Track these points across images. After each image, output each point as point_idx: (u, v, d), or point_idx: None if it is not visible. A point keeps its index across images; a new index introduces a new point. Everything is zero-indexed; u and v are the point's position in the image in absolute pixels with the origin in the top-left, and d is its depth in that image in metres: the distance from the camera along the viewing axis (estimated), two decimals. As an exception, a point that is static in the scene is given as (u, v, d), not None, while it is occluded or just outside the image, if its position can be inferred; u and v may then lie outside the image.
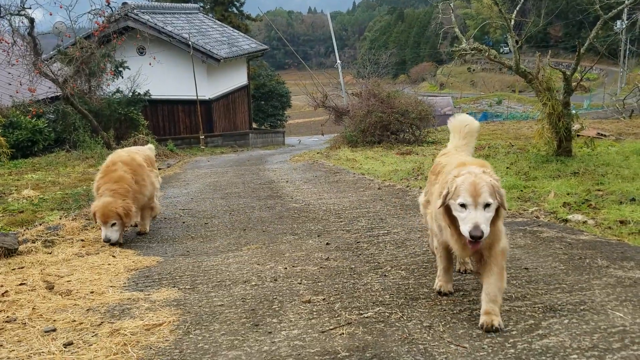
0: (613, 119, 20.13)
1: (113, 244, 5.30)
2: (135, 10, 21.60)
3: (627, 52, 46.23)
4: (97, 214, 5.24)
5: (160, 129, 23.25)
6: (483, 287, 3.06)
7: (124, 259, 4.92)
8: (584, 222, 5.27)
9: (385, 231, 5.42)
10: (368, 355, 2.76)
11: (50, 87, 15.78)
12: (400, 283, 3.84)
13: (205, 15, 31.04)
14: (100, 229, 5.38)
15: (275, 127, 35.23)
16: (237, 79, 28.18)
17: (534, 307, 3.25)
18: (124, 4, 21.51)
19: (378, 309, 3.37)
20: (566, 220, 5.41)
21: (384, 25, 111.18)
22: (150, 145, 7.11)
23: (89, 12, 15.44)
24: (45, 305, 3.63)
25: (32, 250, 5.13)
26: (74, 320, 3.36)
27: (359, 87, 21.04)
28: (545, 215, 5.68)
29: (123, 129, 17.56)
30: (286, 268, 4.36)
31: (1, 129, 13.24)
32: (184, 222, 6.47)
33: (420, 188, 7.83)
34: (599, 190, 6.43)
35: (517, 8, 9.49)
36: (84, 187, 8.62)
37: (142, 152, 6.20)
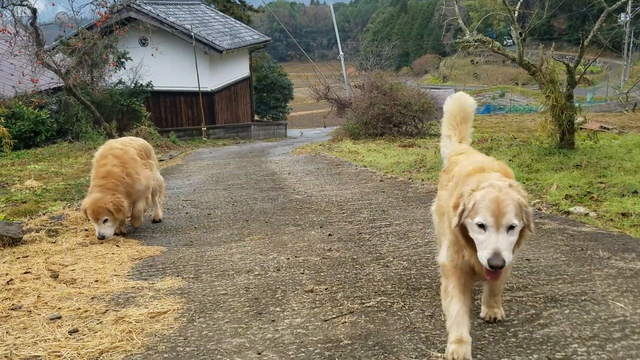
0: (616, 112, 20.08)
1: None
2: (137, 1, 21.53)
3: (631, 45, 46.00)
4: (87, 211, 5.12)
5: (162, 120, 23.27)
6: (484, 286, 2.97)
7: (127, 248, 4.96)
8: (586, 215, 5.28)
9: (387, 222, 5.45)
10: (370, 343, 2.79)
11: (52, 78, 15.79)
12: (402, 273, 3.86)
13: (207, 6, 30.94)
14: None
15: (277, 119, 35.19)
16: (239, 70, 28.14)
17: (536, 298, 3.27)
18: (126, -6, 21.46)
19: (380, 298, 3.40)
20: (568, 213, 5.42)
21: (387, 17, 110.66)
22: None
23: (91, 3, 15.43)
24: (50, 294, 3.66)
25: (36, 239, 5.17)
26: (79, 308, 3.39)
27: (362, 79, 21.02)
28: (548, 207, 5.69)
29: (125, 120, 17.59)
30: (289, 258, 4.38)
31: (4, 119, 13.25)
32: (187, 213, 6.49)
33: (423, 180, 7.84)
34: (601, 182, 6.43)
35: (521, 0, 9.43)
36: (87, 178, 8.64)
37: (136, 142, 5.87)
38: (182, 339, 2.94)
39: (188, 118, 24.07)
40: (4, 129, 12.61)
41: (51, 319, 3.22)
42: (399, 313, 3.16)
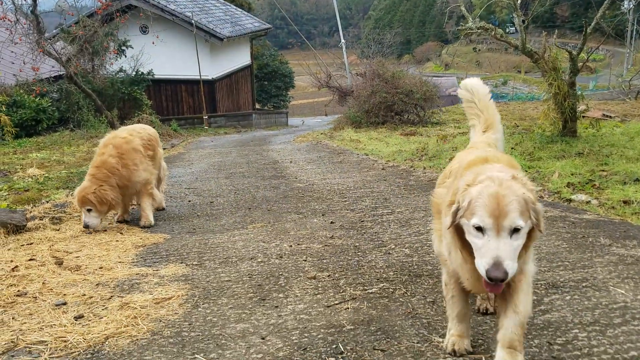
0: (619, 100, 19.97)
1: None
2: (137, -12, 21.41)
3: (634, 32, 45.63)
4: (75, 198, 5.12)
5: (163, 109, 23.24)
6: (500, 319, 2.32)
7: (131, 236, 4.99)
8: (588, 202, 5.29)
9: (389, 210, 5.46)
10: (373, 328, 2.82)
11: (53, 66, 15.74)
12: (404, 260, 3.88)
13: (208, -6, 30.70)
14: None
15: (278, 108, 35.07)
16: (240, 58, 28.02)
17: (537, 284, 3.29)
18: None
19: (382, 285, 3.43)
20: (570, 200, 5.43)
21: (388, 4, 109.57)
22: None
23: (91, -10, 15.32)
24: (55, 280, 3.69)
25: (40, 227, 5.20)
26: (84, 294, 3.42)
27: (363, 67, 20.93)
28: (549, 195, 5.70)
29: (127, 108, 17.57)
30: (291, 246, 4.41)
31: (5, 108, 13.26)
32: (189, 201, 6.52)
33: (425, 168, 7.85)
34: (603, 170, 6.43)
35: (524, -14, 9.36)
36: (89, 166, 8.67)
37: (146, 131, 5.73)
38: (187, 325, 2.97)
39: (189, 106, 24.03)
40: (6, 117, 12.63)
41: (57, 305, 3.26)
42: (400, 299, 3.19)
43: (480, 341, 2.63)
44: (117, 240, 4.79)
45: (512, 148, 8.46)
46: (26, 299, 3.37)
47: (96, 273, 3.87)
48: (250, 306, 3.19)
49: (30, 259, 4.14)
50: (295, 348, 2.65)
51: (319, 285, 3.47)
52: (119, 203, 5.33)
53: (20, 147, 11.77)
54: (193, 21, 21.81)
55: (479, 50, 75.16)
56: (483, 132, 3.00)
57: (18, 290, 3.51)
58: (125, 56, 18.53)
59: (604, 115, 12.83)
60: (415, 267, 3.74)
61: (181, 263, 4.08)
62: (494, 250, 2.00)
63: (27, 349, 2.74)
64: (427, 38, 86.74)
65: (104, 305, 3.25)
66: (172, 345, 2.74)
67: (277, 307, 3.16)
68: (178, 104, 24.07)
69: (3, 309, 3.23)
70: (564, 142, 8.13)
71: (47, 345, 2.76)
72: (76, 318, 3.07)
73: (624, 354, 2.44)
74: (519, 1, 9.11)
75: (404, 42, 72.62)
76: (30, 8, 14.01)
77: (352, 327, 2.85)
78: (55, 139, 13.08)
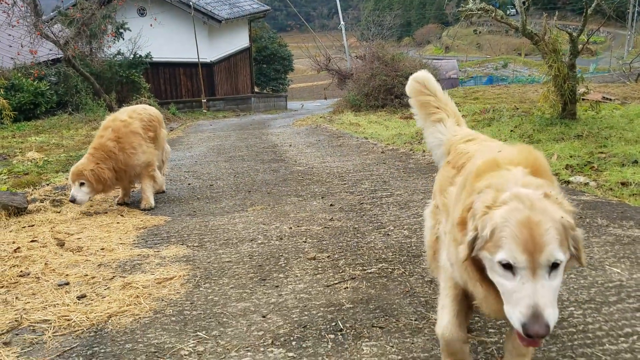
0: (619, 82, 19.90)
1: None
2: (134, -30, 21.15)
3: (635, 14, 45.25)
4: (70, 172, 5.11)
5: (162, 92, 23.12)
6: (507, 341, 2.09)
7: (132, 218, 5.02)
8: (586, 184, 5.32)
9: (389, 193, 5.49)
10: (371, 307, 2.87)
11: (51, 49, 15.63)
12: (402, 242, 3.92)
13: (205, -25, 30.34)
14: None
15: (277, 91, 34.89)
16: (239, 41, 27.81)
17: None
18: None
19: (381, 265, 3.47)
20: (568, 182, 5.46)
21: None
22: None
23: (88, -28, 15.14)
24: (57, 261, 3.73)
25: (41, 209, 5.23)
26: (86, 275, 3.46)
27: (363, 49, 20.74)
28: (548, 177, 5.72)
29: (125, 91, 17.49)
30: (291, 228, 4.44)
31: (3, 91, 13.20)
32: (189, 184, 6.54)
33: (424, 152, 7.85)
34: (601, 152, 6.45)
35: (526, -33, 9.25)
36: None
37: (147, 112, 5.63)
38: (189, 303, 3.02)
39: (187, 90, 23.92)
40: (4, 100, 12.58)
41: (59, 285, 3.30)
42: (399, 279, 3.23)
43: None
44: (117, 222, 4.82)
45: (511, 130, 8.47)
46: (29, 279, 3.42)
47: (98, 254, 3.91)
48: (251, 286, 3.24)
49: (32, 241, 4.18)
50: (296, 325, 2.69)
51: (319, 266, 3.51)
52: (111, 186, 5.34)
53: (19, 130, 11.75)
54: (191, 3, 21.60)
55: (480, 32, 74.60)
56: (457, 125, 2.75)
57: (21, 271, 3.55)
58: (123, 39, 18.38)
59: (603, 97, 12.80)
60: (414, 247, 3.78)
61: (182, 244, 4.11)
62: (531, 297, 1.56)
63: (31, 328, 2.78)
64: (427, 20, 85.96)
65: (106, 285, 3.29)
66: (174, 323, 2.79)
67: (277, 286, 3.21)
68: (176, 87, 23.95)
69: (7, 289, 3.28)
70: (563, 125, 8.14)
71: (50, 323, 2.81)
72: (79, 297, 3.11)
73: (619, 331, 2.48)
74: (520, -18, 9.02)
75: (404, 24, 72.01)
76: (27, -10, 13.88)
77: (351, 305, 2.90)
78: (54, 122, 13.05)
